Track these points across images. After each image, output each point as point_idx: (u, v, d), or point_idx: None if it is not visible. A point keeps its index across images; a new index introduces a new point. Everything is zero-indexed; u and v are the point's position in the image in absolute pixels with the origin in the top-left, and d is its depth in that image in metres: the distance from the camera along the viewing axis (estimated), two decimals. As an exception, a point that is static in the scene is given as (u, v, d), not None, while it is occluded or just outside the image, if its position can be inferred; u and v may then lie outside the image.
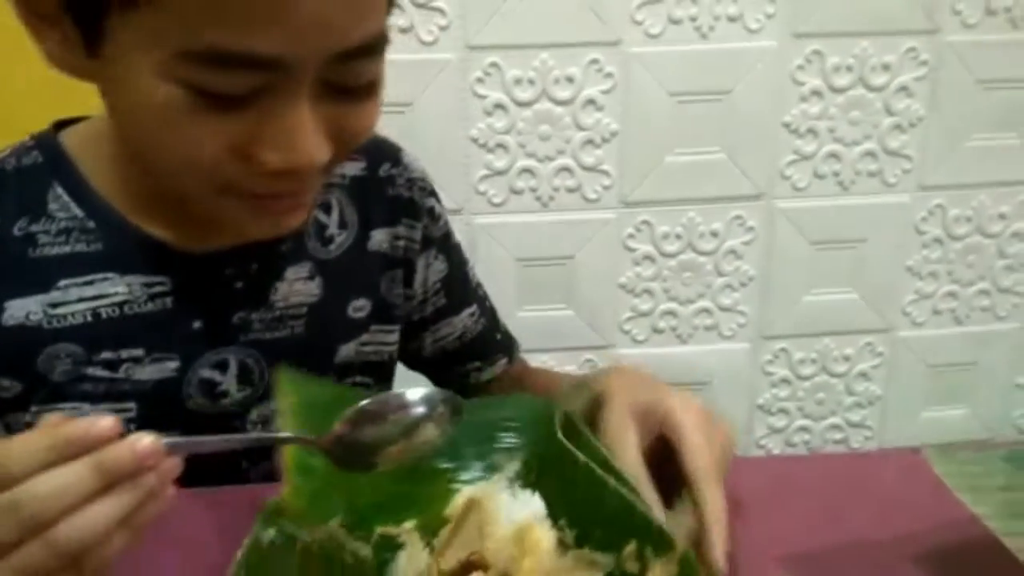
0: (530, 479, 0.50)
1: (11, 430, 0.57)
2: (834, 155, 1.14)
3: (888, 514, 0.56)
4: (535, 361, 1.21)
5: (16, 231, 0.54)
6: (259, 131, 0.44)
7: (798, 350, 1.25)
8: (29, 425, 0.56)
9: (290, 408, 0.49)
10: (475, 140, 1.09)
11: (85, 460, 0.34)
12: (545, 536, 0.45)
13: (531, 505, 0.48)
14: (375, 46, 0.45)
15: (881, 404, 1.29)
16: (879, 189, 1.17)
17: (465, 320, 0.75)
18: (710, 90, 1.09)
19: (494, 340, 0.78)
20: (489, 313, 0.78)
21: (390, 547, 0.48)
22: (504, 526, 0.46)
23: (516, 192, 1.13)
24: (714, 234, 1.17)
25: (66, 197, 0.55)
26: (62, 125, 0.58)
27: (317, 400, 0.49)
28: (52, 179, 0.55)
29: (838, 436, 1.31)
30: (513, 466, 0.52)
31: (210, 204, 0.49)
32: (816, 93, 1.11)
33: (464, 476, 0.53)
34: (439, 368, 0.76)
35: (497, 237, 1.14)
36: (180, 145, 0.44)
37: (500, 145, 1.10)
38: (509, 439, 0.53)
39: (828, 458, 0.95)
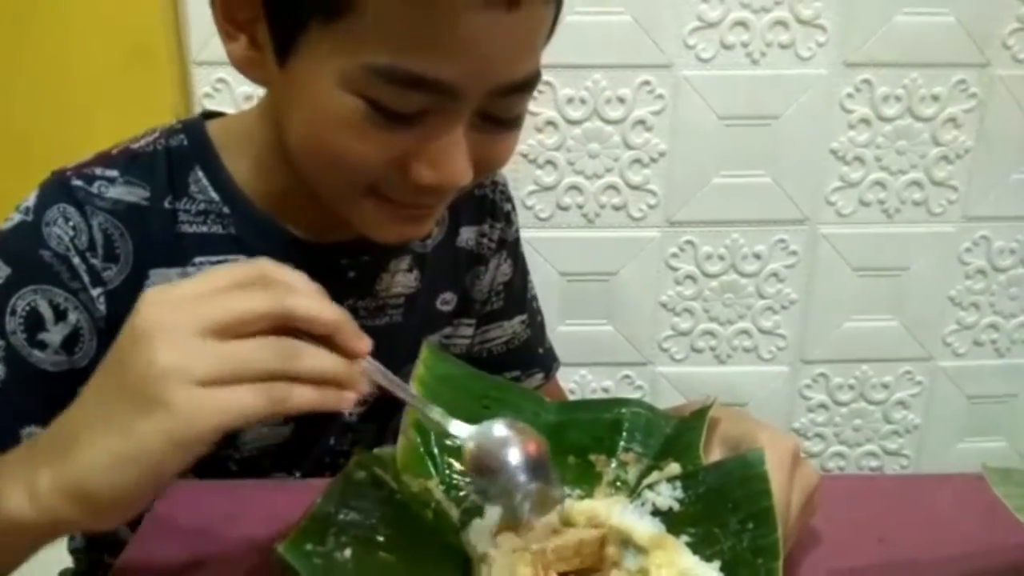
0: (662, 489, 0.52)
1: None
2: (880, 183, 1.15)
3: (944, 535, 0.56)
4: (574, 375, 1.23)
5: (165, 205, 0.58)
6: (420, 148, 0.48)
7: (837, 375, 1.25)
8: None
9: (425, 376, 0.54)
10: (525, 155, 1.12)
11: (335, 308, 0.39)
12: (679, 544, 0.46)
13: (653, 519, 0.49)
14: (531, 82, 0.50)
15: (918, 433, 1.29)
16: (924, 218, 1.17)
17: (516, 326, 0.77)
18: (759, 115, 1.11)
19: (536, 353, 0.80)
20: (538, 326, 0.80)
21: (477, 514, 0.49)
22: (635, 534, 0.47)
23: (563, 208, 1.15)
24: (757, 256, 1.18)
25: (205, 181, 0.59)
26: (209, 116, 0.62)
27: (450, 374, 0.55)
28: (195, 163, 0.59)
29: (874, 464, 1.31)
30: (635, 472, 0.54)
31: (350, 204, 0.53)
32: (864, 121, 1.12)
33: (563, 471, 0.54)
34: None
35: (542, 251, 1.16)
36: (351, 150, 0.48)
37: (549, 161, 1.12)
38: (621, 442, 0.56)
39: (886, 478, 0.96)
